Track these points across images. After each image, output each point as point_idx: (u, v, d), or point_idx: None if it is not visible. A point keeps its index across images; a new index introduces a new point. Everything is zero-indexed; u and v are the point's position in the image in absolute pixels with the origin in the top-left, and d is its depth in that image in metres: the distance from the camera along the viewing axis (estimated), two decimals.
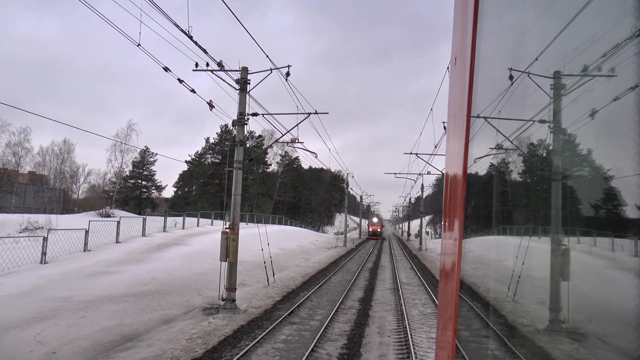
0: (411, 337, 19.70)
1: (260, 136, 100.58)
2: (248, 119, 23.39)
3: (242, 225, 26.86)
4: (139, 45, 16.10)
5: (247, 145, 33.19)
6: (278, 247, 51.76)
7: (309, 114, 26.64)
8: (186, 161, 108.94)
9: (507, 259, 2.77)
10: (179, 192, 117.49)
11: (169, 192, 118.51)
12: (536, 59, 2.33)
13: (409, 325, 21.96)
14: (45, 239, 30.71)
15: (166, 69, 18.22)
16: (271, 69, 23.15)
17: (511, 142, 2.90)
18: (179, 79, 18.87)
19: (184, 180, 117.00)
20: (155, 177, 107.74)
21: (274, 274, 33.43)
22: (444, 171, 8.14)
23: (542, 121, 2.32)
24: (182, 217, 57.25)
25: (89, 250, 35.83)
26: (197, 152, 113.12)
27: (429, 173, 64.05)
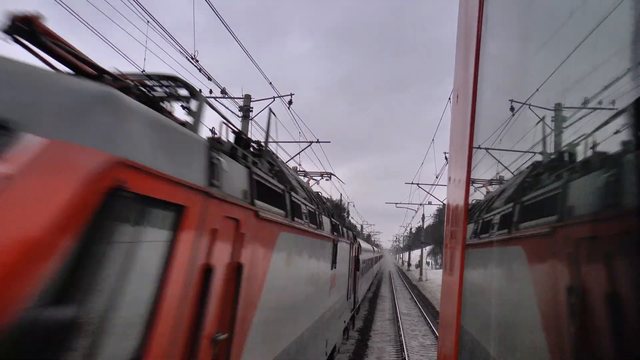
0: None
1: None
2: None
3: None
4: (143, 71, 16.24)
5: None
6: None
7: (311, 142, 26.74)
8: None
9: (510, 288, 2.75)
10: None
11: None
12: (537, 91, 2.35)
13: (408, 356, 21.72)
14: None
15: None
16: (274, 97, 23.27)
17: (512, 173, 2.92)
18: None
19: None
20: None
21: None
22: (445, 201, 8.15)
23: (542, 153, 2.34)
24: None
25: None
26: None
27: (429, 203, 64.08)
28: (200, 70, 17.44)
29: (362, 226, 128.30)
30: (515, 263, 2.63)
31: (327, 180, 29.70)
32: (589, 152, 1.71)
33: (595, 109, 1.71)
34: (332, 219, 16.33)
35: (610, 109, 1.59)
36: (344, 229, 20.76)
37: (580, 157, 1.88)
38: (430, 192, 48.53)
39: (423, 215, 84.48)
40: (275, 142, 25.52)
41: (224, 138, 6.46)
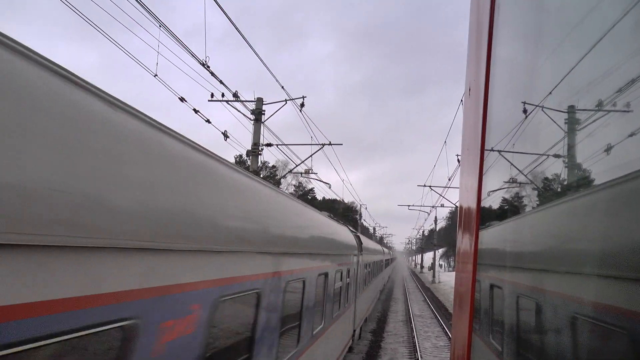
0: None
1: (274, 167, 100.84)
2: (262, 149, 23.51)
3: None
4: (156, 75, 16.31)
5: (261, 176, 33.29)
6: None
7: (323, 145, 26.73)
8: None
9: (523, 291, 2.72)
10: None
11: None
12: (550, 93, 2.32)
13: (421, 357, 21.63)
14: None
15: (182, 100, 18.43)
16: (286, 100, 23.30)
17: (525, 175, 2.88)
18: (194, 109, 19.05)
19: None
20: None
21: None
22: (457, 204, 8.10)
23: (556, 156, 2.31)
24: None
25: None
26: None
27: (442, 206, 63.63)
28: (212, 74, 17.49)
29: (374, 228, 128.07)
30: (527, 270, 2.61)
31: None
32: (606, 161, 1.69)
33: (609, 111, 1.68)
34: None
35: (625, 110, 1.56)
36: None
37: (589, 162, 1.85)
38: (443, 195, 48.31)
39: (435, 217, 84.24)
40: (285, 144, 25.53)
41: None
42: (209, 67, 17.02)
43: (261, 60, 18.68)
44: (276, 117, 31.66)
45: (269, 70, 19.97)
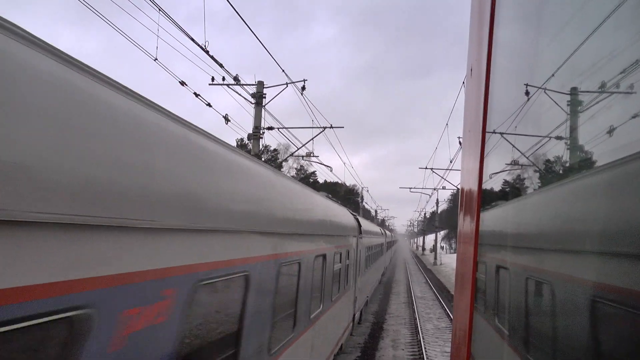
0: (425, 351, 19.53)
1: (275, 150, 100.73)
2: (263, 132, 23.46)
3: None
4: (156, 59, 16.24)
5: (263, 159, 33.30)
6: None
7: (324, 127, 26.66)
8: None
9: (524, 272, 2.74)
10: None
11: None
12: (552, 75, 2.31)
13: (423, 339, 21.77)
14: None
15: (182, 83, 18.38)
16: (287, 83, 23.21)
17: (527, 158, 2.88)
18: (195, 93, 18.99)
19: None
20: None
21: None
22: (459, 186, 8.09)
23: (558, 138, 2.30)
24: None
25: None
26: None
27: (444, 188, 63.52)
28: (212, 57, 17.42)
29: (376, 211, 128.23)
30: (528, 251, 2.62)
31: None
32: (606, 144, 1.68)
33: (612, 93, 1.68)
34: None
35: (628, 92, 1.56)
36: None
37: (592, 144, 1.85)
38: (445, 177, 48.28)
39: (437, 200, 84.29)
40: (286, 128, 25.49)
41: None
42: (208, 51, 16.95)
43: (261, 43, 18.57)
44: (279, 101, 31.74)
45: (269, 54, 19.87)
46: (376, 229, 36.96)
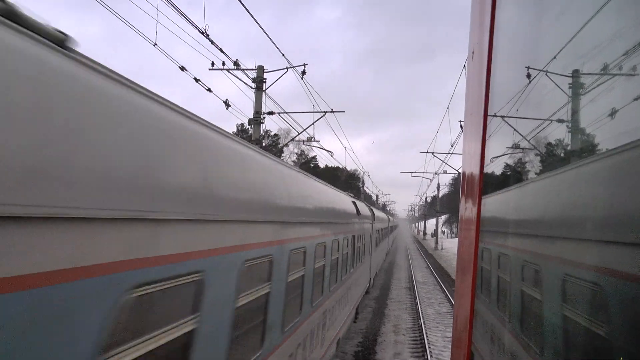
0: (426, 336, 19.63)
1: (276, 135, 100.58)
2: (264, 117, 23.40)
3: None
4: (156, 44, 16.17)
5: (263, 144, 33.23)
6: None
7: (325, 112, 26.57)
8: None
9: (526, 257, 2.73)
10: None
11: None
12: (554, 57, 2.29)
13: (424, 324, 21.88)
14: None
15: (182, 69, 18.31)
16: (287, 68, 23.09)
17: (528, 141, 2.86)
18: (195, 78, 18.92)
19: None
20: None
21: None
22: (460, 170, 8.08)
23: (560, 121, 2.28)
24: None
25: None
26: None
27: (445, 172, 63.36)
28: (212, 42, 17.32)
29: (377, 196, 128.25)
30: (529, 236, 2.61)
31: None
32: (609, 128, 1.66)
33: (615, 75, 1.66)
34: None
35: (631, 74, 1.53)
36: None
37: (593, 126, 1.83)
38: (446, 161, 48.21)
39: (438, 184, 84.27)
40: (287, 112, 25.42)
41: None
42: (208, 35, 16.85)
43: (261, 27, 18.46)
44: (280, 86, 31.53)
45: (269, 38, 19.76)
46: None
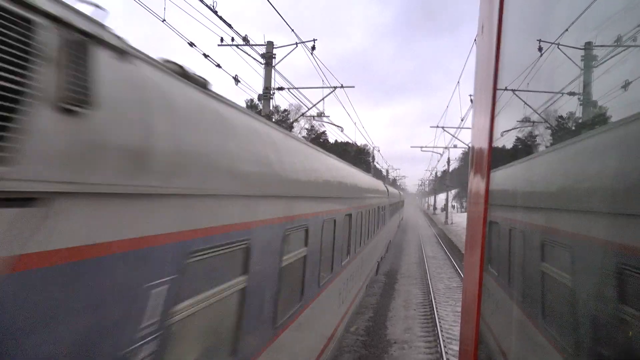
0: (437, 311, 19.75)
1: (285, 110, 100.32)
2: (274, 93, 23.31)
3: None
4: (164, 20, 16.09)
5: (273, 120, 33.18)
6: None
7: (335, 87, 26.43)
8: None
9: (534, 230, 2.72)
10: None
11: None
12: (566, 30, 2.26)
13: (434, 299, 21.99)
14: None
15: (191, 44, 18.24)
16: (296, 43, 22.91)
17: (539, 115, 2.84)
18: (204, 54, 18.85)
19: None
20: None
21: None
22: (469, 145, 8.04)
23: (571, 94, 2.26)
24: None
25: None
26: None
27: (455, 147, 63.06)
28: (221, 18, 17.22)
29: (387, 171, 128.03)
30: (538, 210, 2.60)
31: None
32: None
33: (627, 47, 1.63)
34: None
35: None
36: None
37: (606, 99, 1.81)
38: (456, 136, 47.98)
39: (448, 158, 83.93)
40: (296, 88, 25.33)
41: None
42: (217, 11, 16.74)
43: (269, 1, 18.31)
44: (292, 63, 31.47)
45: (277, 12, 19.60)
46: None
